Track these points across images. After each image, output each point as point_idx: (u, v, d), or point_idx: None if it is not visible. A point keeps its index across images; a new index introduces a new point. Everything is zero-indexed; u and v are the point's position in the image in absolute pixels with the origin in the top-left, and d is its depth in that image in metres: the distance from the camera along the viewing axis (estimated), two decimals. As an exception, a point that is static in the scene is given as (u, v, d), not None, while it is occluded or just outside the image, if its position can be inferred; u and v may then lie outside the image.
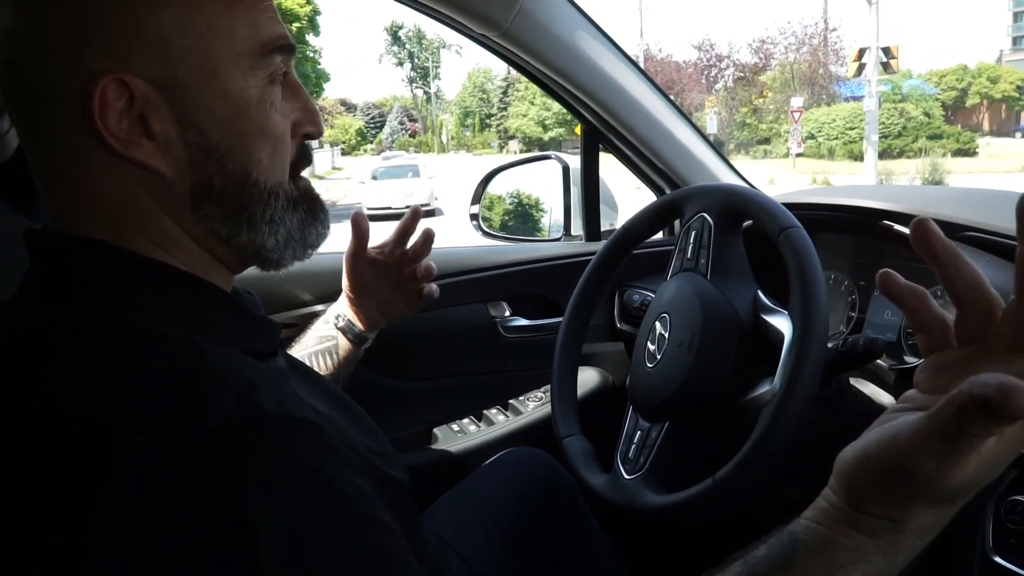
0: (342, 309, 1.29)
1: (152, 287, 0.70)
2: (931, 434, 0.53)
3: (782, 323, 1.08)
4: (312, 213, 0.81)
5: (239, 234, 0.75)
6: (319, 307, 1.63)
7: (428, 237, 1.28)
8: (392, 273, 1.27)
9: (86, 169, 0.69)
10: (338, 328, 1.27)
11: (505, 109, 63.91)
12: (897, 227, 1.34)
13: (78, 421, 0.58)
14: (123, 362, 0.62)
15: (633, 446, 1.22)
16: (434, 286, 1.28)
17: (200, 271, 0.74)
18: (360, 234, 1.25)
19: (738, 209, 1.20)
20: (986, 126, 39.98)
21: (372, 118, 77.24)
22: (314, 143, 0.87)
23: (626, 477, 1.19)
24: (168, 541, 0.53)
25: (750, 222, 1.20)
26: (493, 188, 2.16)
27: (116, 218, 0.70)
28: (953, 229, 1.28)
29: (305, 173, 0.83)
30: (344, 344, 1.27)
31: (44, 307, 0.67)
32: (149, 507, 0.54)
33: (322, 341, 1.27)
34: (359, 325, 1.27)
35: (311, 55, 39.55)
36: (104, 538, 0.53)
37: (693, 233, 1.25)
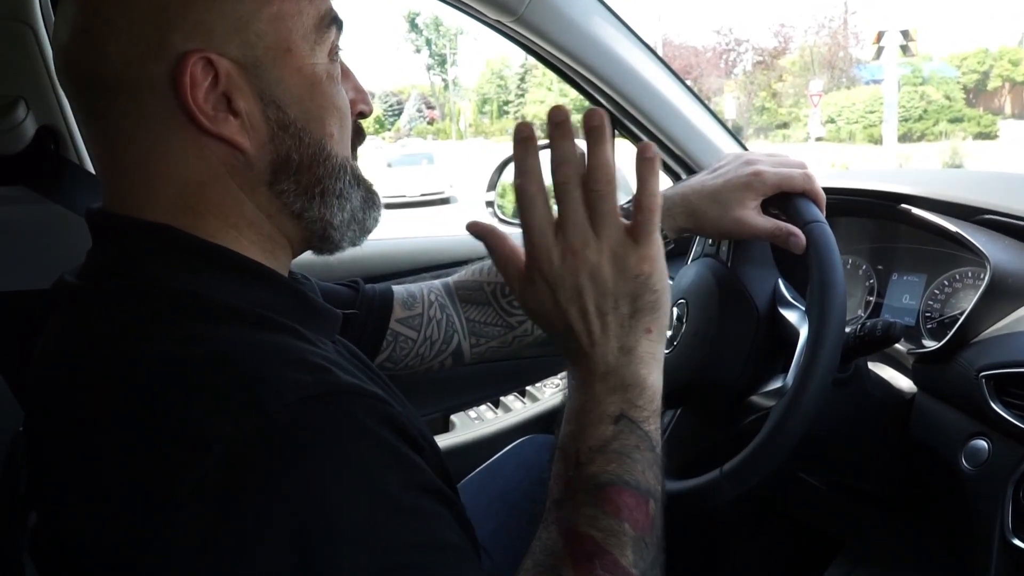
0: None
1: (217, 272, 0.72)
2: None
3: (799, 321, 1.08)
4: (371, 196, 0.84)
5: (311, 208, 0.78)
6: None
7: None
8: None
9: (167, 152, 0.71)
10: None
11: (523, 96, 63.65)
12: (915, 211, 1.33)
13: (149, 394, 0.61)
14: (193, 332, 0.65)
15: None
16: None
17: (267, 249, 0.77)
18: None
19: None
20: (1008, 109, 39.53)
21: (390, 105, 77.21)
22: None
23: None
24: (245, 514, 0.55)
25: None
26: (508, 176, 2.15)
27: (192, 200, 0.72)
28: (972, 212, 1.27)
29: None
30: None
31: (112, 286, 0.70)
32: (225, 482, 0.55)
33: None
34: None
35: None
36: (178, 510, 0.55)
37: None
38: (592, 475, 0.70)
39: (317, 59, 0.75)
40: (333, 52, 0.78)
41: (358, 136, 0.84)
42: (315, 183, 0.77)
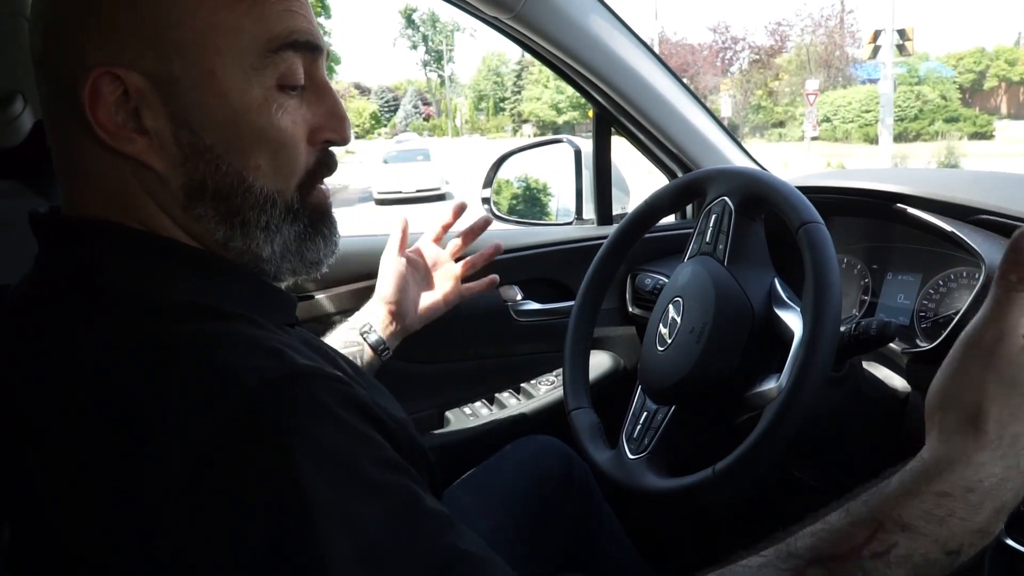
0: (369, 317, 1.32)
1: (163, 264, 0.70)
2: (986, 307, 0.62)
3: (794, 320, 1.08)
4: (314, 228, 0.78)
5: (234, 238, 0.73)
6: (341, 288, 1.65)
7: (485, 222, 1.44)
8: (428, 272, 1.39)
9: (87, 158, 0.69)
10: (362, 334, 1.30)
11: (519, 93, 63.69)
12: (911, 210, 1.33)
13: (111, 396, 0.59)
14: (147, 331, 0.63)
15: (639, 426, 1.22)
16: (495, 276, 1.45)
17: None
18: (403, 237, 1.34)
19: (760, 196, 1.17)
20: (1004, 109, 39.57)
21: (386, 101, 77.25)
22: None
23: (629, 457, 1.20)
24: (220, 502, 0.54)
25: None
26: (503, 172, 2.15)
27: (120, 206, 0.70)
28: (967, 212, 1.27)
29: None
30: (368, 352, 1.30)
31: (59, 287, 0.68)
32: (196, 473, 0.55)
33: (347, 345, 1.29)
34: (382, 333, 1.31)
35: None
36: (155, 507, 0.55)
37: (713, 217, 1.23)
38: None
39: (252, 85, 0.69)
40: (289, 78, 0.71)
41: (322, 168, 0.77)
42: (234, 213, 0.72)
